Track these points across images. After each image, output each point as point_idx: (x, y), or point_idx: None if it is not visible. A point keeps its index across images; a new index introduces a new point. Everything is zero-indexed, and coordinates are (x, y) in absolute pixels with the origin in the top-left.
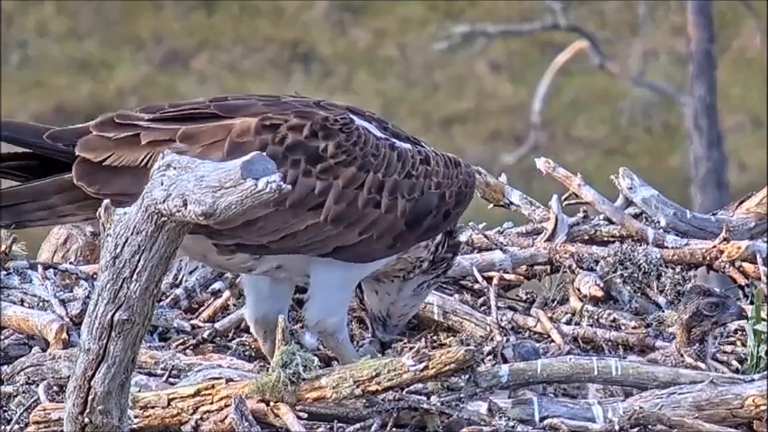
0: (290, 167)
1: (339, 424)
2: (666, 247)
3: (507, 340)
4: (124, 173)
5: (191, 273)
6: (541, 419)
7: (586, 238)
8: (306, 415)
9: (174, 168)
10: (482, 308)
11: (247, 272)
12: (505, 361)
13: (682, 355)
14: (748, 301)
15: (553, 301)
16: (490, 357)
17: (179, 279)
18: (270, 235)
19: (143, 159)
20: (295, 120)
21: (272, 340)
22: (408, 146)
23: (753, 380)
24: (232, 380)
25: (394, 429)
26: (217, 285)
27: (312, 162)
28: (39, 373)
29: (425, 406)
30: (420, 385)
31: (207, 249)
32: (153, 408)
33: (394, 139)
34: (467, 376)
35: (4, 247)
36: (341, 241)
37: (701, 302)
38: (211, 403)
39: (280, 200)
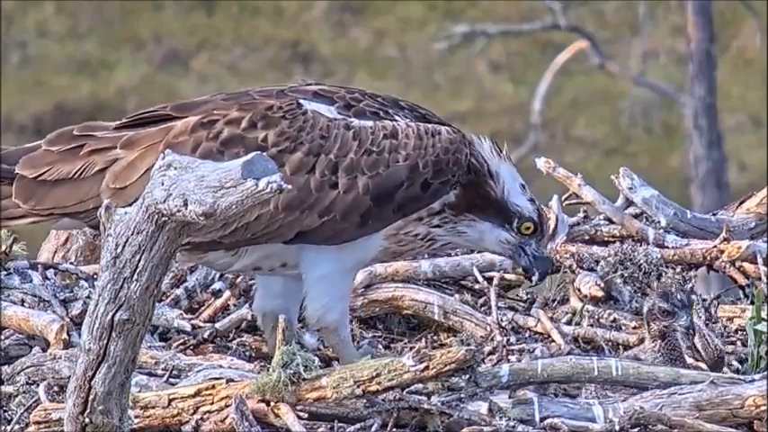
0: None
1: (339, 424)
2: (667, 247)
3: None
4: (60, 185)
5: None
6: (541, 419)
7: (587, 238)
8: (306, 415)
9: (175, 168)
10: (482, 308)
11: (227, 269)
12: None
13: (656, 351)
14: (749, 301)
15: (553, 301)
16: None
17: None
18: (219, 230)
19: (78, 170)
20: (235, 113)
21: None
22: (369, 123)
23: (753, 380)
24: (232, 380)
25: (394, 429)
26: (217, 285)
27: None
28: (39, 373)
29: (426, 406)
30: (420, 385)
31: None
32: (153, 408)
33: (353, 119)
34: (467, 376)
35: (4, 248)
36: (301, 226)
37: (656, 305)
38: (212, 403)
39: None
